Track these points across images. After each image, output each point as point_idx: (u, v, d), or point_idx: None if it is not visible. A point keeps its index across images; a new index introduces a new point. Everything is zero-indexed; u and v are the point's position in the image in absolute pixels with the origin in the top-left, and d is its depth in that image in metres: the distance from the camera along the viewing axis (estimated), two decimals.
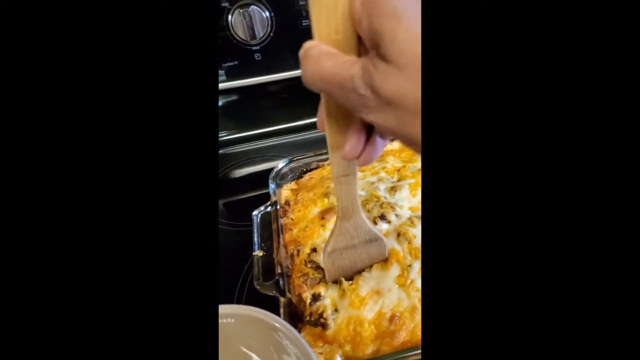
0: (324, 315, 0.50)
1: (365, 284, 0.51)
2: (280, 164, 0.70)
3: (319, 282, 0.53)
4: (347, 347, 0.48)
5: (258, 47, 0.77)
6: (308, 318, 0.51)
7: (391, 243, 0.54)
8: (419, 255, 0.53)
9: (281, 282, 0.54)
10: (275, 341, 0.42)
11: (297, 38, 0.78)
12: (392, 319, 0.48)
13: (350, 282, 0.52)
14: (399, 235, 0.55)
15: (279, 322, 0.43)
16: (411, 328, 0.48)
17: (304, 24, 0.76)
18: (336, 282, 0.53)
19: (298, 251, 0.58)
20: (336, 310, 0.50)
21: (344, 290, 0.51)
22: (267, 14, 0.73)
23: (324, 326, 0.49)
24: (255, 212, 0.63)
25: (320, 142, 0.92)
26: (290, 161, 0.71)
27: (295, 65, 0.81)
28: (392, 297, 0.49)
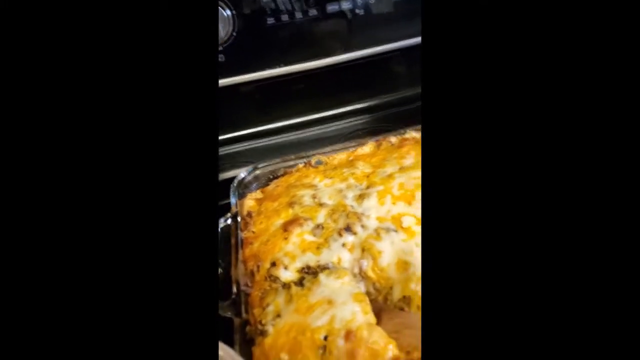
0: (263, 322, 0.45)
1: (318, 291, 0.46)
2: (242, 172, 0.66)
3: (268, 291, 0.49)
4: (285, 357, 0.42)
5: (221, 48, 0.72)
6: (249, 328, 0.47)
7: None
8: (385, 275, 0.49)
9: (239, 302, 0.50)
10: None
11: (262, 37, 0.74)
12: (347, 336, 0.41)
13: (302, 287, 0.48)
14: (363, 250, 0.51)
15: (225, 353, 0.40)
16: (369, 346, 0.41)
17: (268, 22, 0.71)
18: (285, 286, 0.48)
19: (258, 267, 0.54)
20: (278, 315, 0.46)
21: (291, 296, 0.47)
22: (228, 12, 0.69)
23: (263, 333, 0.45)
24: None
25: (293, 146, 0.88)
26: (255, 169, 0.67)
27: (263, 64, 0.77)
28: (345, 311, 0.43)
